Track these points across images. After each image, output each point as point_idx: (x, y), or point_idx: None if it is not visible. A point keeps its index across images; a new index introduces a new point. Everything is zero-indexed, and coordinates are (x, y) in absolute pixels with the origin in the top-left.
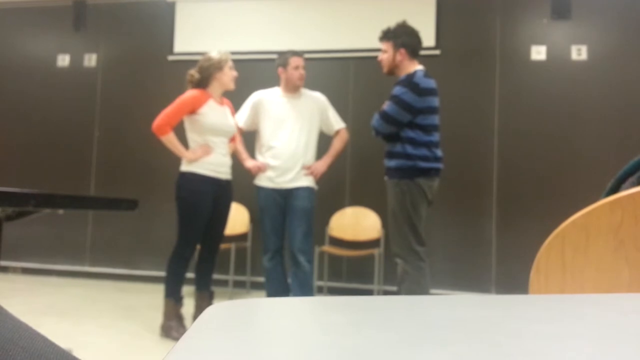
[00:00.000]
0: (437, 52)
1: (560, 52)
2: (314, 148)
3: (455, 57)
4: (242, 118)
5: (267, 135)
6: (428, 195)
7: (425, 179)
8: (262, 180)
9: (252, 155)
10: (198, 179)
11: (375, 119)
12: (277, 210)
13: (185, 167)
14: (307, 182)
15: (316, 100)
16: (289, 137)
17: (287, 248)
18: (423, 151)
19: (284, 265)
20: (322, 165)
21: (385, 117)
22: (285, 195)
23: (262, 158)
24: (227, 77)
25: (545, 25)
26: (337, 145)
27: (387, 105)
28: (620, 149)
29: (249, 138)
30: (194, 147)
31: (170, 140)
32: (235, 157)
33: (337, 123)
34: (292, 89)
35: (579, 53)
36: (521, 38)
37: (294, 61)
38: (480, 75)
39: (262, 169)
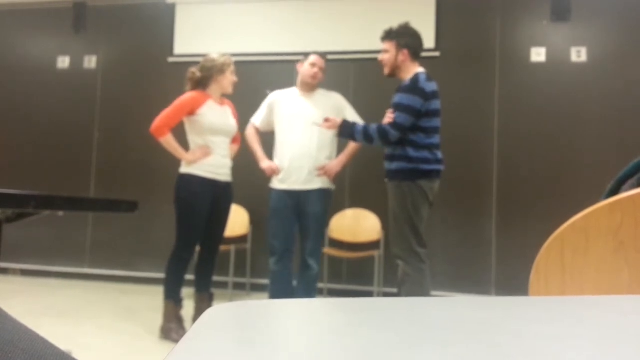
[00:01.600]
0: (437, 53)
1: (560, 53)
2: (329, 147)
3: (455, 59)
4: (258, 118)
5: (280, 134)
6: (429, 196)
7: (427, 181)
8: (274, 182)
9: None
10: (196, 180)
11: (390, 135)
12: (288, 212)
13: (184, 169)
14: (320, 183)
15: (332, 98)
16: (301, 136)
17: (294, 250)
18: (425, 154)
19: (290, 268)
20: (336, 165)
21: (400, 128)
22: (297, 197)
23: (277, 159)
24: (228, 81)
25: (545, 27)
26: (352, 144)
27: (398, 116)
28: (620, 150)
29: (269, 140)
30: (194, 148)
31: (168, 142)
32: (240, 160)
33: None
34: (306, 86)
35: (578, 55)
36: (521, 40)
37: (313, 58)
38: (480, 76)
39: (275, 171)
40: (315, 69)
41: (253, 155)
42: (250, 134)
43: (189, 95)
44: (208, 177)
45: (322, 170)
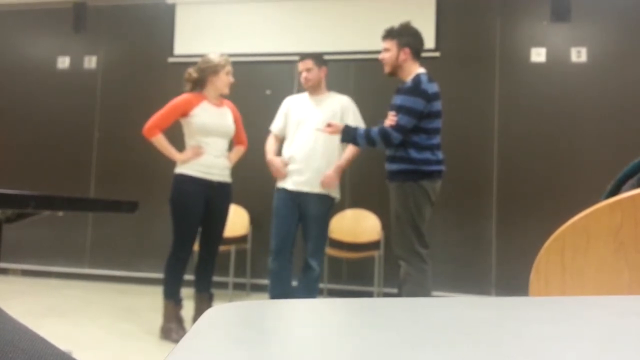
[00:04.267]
0: (437, 54)
1: (559, 54)
2: (334, 151)
3: (455, 59)
4: (276, 125)
5: (288, 137)
6: (431, 197)
7: (429, 181)
8: (279, 182)
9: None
10: (187, 180)
11: (393, 137)
12: (288, 212)
13: (177, 169)
14: (321, 188)
15: (339, 101)
16: (305, 139)
17: (294, 251)
18: (427, 155)
19: (288, 268)
20: (333, 173)
21: (402, 130)
22: (300, 199)
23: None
24: (222, 82)
25: (545, 27)
26: (350, 149)
27: (400, 119)
28: (619, 150)
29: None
30: (187, 149)
31: (159, 142)
32: (241, 160)
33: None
34: (309, 90)
35: (578, 55)
36: (521, 40)
37: (298, 66)
38: (480, 77)
39: (280, 172)
40: (303, 74)
41: (264, 155)
42: (269, 144)
43: (181, 97)
44: (200, 176)
45: (324, 183)
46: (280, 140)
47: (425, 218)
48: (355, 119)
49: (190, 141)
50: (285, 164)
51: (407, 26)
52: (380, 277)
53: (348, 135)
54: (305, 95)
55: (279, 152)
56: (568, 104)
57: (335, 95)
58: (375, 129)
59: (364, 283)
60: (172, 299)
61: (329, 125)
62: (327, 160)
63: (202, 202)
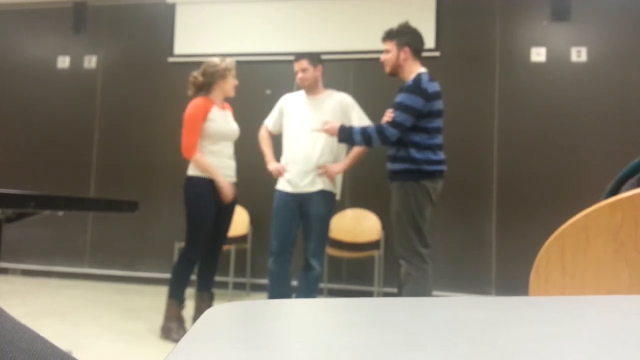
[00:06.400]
0: (436, 54)
1: (559, 53)
2: (334, 151)
3: (455, 59)
4: (270, 120)
5: (286, 137)
6: (432, 197)
7: (430, 181)
8: (280, 184)
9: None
10: (203, 182)
11: (389, 133)
12: (288, 213)
13: (191, 172)
14: (322, 185)
15: (339, 100)
16: (305, 141)
17: (294, 252)
18: (428, 154)
19: (288, 268)
20: (337, 167)
21: (399, 126)
22: (301, 200)
23: (282, 161)
24: (229, 85)
25: (545, 27)
26: (354, 150)
27: (397, 115)
28: (619, 150)
29: (279, 141)
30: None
31: (198, 161)
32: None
33: (361, 124)
34: (306, 90)
35: (578, 55)
36: (521, 40)
37: (294, 67)
38: (480, 77)
39: (281, 172)
40: (299, 75)
41: (262, 156)
42: (262, 136)
43: (196, 104)
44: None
45: (323, 169)
46: (272, 135)
47: (426, 218)
48: (359, 115)
49: (202, 143)
50: (283, 169)
51: (406, 26)
52: (380, 277)
53: (344, 134)
54: (302, 94)
55: (273, 149)
56: (568, 103)
57: (333, 94)
58: (372, 126)
59: (364, 283)
60: (177, 298)
61: (324, 124)
62: (326, 162)
63: (215, 204)
